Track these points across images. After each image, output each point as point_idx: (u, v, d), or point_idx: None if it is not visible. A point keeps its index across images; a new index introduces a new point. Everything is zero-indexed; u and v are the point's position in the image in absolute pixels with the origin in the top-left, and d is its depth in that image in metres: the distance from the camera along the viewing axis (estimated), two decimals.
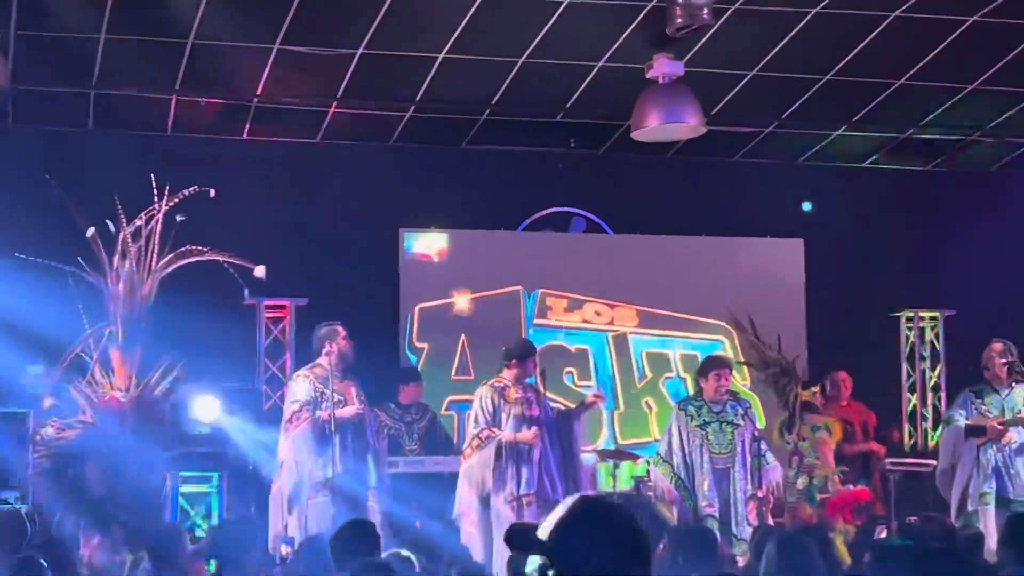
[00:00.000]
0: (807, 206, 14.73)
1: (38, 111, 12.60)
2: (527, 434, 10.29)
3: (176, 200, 10.61)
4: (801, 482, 11.10)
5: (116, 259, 10.43)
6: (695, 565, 6.51)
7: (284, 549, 8.52)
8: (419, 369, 13.05)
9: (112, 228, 10.47)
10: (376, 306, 13.59)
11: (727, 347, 14.05)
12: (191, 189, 10.63)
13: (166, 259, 10.48)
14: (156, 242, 10.52)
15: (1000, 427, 10.58)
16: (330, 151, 13.71)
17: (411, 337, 13.80)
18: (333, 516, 9.55)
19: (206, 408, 10.78)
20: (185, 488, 10.64)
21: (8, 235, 11.26)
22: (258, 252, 12.14)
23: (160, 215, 10.54)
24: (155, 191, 10.74)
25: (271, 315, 13.16)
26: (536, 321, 14.08)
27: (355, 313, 12.45)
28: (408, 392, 12.24)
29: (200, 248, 10.58)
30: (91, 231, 10.35)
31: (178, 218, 10.52)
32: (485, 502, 10.26)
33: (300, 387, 9.99)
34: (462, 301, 13.83)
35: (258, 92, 12.45)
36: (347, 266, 13.46)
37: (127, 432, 10.19)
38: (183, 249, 10.52)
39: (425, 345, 13.82)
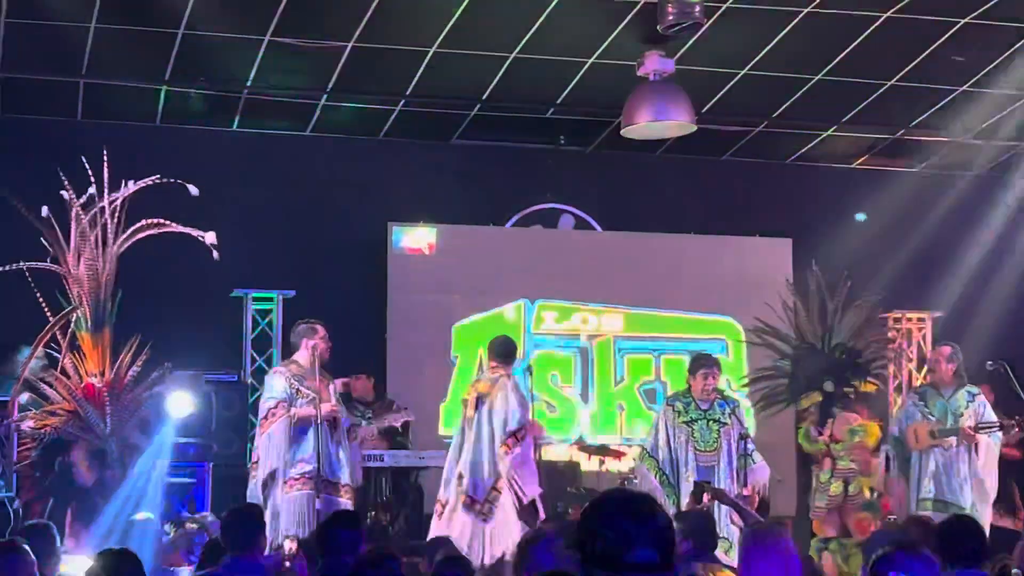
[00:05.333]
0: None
1: (27, 100, 12.57)
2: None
3: (139, 186, 10.34)
4: (835, 488, 10.89)
5: (75, 238, 10.23)
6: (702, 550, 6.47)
7: (289, 545, 8.34)
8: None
9: (67, 196, 10.23)
10: (364, 299, 13.58)
11: (730, 346, 14.01)
12: (154, 178, 10.38)
13: (124, 235, 10.30)
14: (114, 220, 10.27)
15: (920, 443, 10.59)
16: (319, 144, 13.70)
17: (450, 351, 13.97)
18: (305, 511, 9.52)
19: (179, 404, 10.66)
20: (168, 479, 10.54)
21: None
22: (246, 244, 12.14)
23: (123, 194, 10.28)
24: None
25: (258, 307, 13.15)
26: (534, 331, 14.16)
27: (343, 306, 12.47)
28: (358, 386, 12.25)
29: (154, 221, 10.37)
30: (45, 210, 10.15)
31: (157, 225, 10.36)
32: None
33: (276, 384, 9.90)
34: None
35: (248, 84, 12.44)
36: (335, 259, 13.45)
37: (108, 417, 10.12)
38: (139, 224, 10.35)
39: (458, 355, 13.96)
